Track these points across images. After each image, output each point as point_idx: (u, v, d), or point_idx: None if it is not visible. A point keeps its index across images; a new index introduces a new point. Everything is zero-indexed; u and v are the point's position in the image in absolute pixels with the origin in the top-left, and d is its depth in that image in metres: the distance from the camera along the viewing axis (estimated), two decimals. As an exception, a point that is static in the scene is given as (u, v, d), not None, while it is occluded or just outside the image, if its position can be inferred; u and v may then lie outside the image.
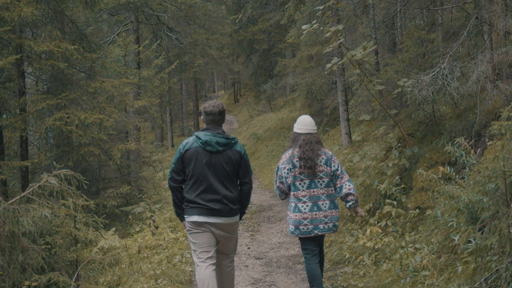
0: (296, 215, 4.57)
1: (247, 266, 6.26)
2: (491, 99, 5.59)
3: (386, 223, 5.80)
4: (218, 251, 4.33)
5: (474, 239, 3.83)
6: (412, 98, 6.01)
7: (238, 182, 4.32)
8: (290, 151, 4.68)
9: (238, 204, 4.31)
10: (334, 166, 4.62)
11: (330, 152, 4.69)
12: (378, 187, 6.22)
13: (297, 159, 4.58)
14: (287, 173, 4.61)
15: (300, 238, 4.67)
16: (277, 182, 4.74)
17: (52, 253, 4.83)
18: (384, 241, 5.44)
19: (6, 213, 4.25)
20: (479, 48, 6.11)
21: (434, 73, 5.78)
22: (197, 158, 4.17)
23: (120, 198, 8.56)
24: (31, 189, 4.52)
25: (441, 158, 5.89)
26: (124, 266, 5.86)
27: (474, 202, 4.11)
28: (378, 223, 5.94)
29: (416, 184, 5.94)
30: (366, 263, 5.35)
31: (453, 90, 5.65)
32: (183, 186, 4.26)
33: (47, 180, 4.52)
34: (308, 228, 4.54)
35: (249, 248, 7.08)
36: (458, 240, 4.03)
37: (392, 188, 6.04)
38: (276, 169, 4.76)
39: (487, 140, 5.30)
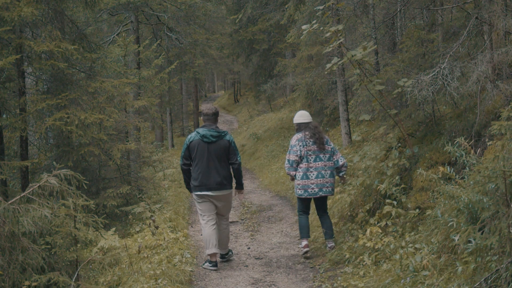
0: (305, 181, 6.30)
1: (247, 266, 6.26)
2: (491, 99, 5.58)
3: (386, 223, 5.80)
4: (217, 214, 6.23)
5: (474, 239, 3.83)
6: (412, 98, 6.01)
7: (230, 163, 6.13)
8: (300, 134, 6.37)
9: (230, 180, 6.13)
10: (331, 145, 6.49)
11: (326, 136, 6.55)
12: (378, 187, 6.22)
13: (309, 139, 6.33)
14: (301, 148, 6.31)
15: (303, 199, 6.38)
16: (293, 156, 6.34)
17: (52, 253, 4.82)
18: (384, 241, 5.44)
19: (6, 213, 4.25)
20: (479, 48, 6.11)
21: (434, 73, 5.78)
22: (198, 147, 6.03)
23: (120, 198, 8.55)
24: (31, 189, 4.52)
25: (441, 158, 5.89)
26: (124, 266, 5.86)
27: (474, 202, 4.11)
28: (378, 223, 5.94)
29: (416, 184, 5.94)
30: (366, 263, 5.35)
31: (453, 90, 5.65)
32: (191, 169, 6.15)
33: (47, 180, 4.52)
34: (314, 191, 6.30)
35: (249, 248, 7.08)
36: (458, 240, 4.03)
37: (392, 188, 6.04)
38: (289, 148, 6.41)
39: (487, 140, 5.30)
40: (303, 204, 6.46)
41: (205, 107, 6.16)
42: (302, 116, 6.46)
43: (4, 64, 6.28)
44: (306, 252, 6.33)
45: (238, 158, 6.17)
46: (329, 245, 6.33)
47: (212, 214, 6.15)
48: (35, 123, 7.70)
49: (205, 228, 6.10)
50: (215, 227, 6.13)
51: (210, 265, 6.10)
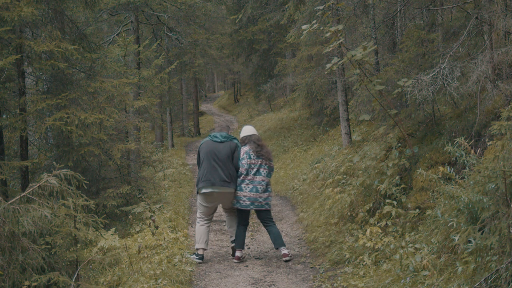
0: (237, 193, 6.43)
1: (247, 266, 6.26)
2: (491, 99, 5.59)
3: (386, 223, 5.80)
4: (225, 210, 6.74)
5: (474, 239, 3.83)
6: (412, 98, 6.01)
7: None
8: (246, 147, 6.52)
9: (235, 180, 6.45)
10: (272, 163, 6.64)
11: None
12: (378, 187, 6.22)
13: (253, 152, 6.48)
14: (247, 160, 6.46)
15: (241, 210, 6.49)
16: (241, 169, 6.46)
17: (52, 253, 4.82)
18: (384, 241, 5.44)
19: (6, 213, 4.25)
20: (479, 48, 6.11)
21: (434, 73, 5.78)
22: (207, 147, 6.54)
23: (120, 198, 8.55)
24: (31, 189, 4.52)
25: (441, 158, 5.89)
26: (124, 266, 5.86)
27: (474, 202, 4.12)
28: (378, 223, 5.94)
29: (416, 184, 5.94)
30: (366, 263, 5.35)
31: (453, 90, 5.65)
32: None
33: (47, 180, 4.53)
34: (246, 203, 6.41)
35: (249, 248, 7.08)
36: (458, 240, 4.03)
37: (392, 188, 6.04)
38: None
39: (487, 140, 5.30)
40: (241, 213, 6.57)
41: (219, 122, 7.19)
42: (248, 131, 6.67)
43: (4, 64, 6.28)
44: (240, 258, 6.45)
45: (238, 164, 6.54)
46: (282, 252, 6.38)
47: (209, 217, 6.64)
48: (35, 123, 7.70)
49: (199, 226, 6.58)
50: (209, 226, 6.65)
51: (197, 257, 6.43)
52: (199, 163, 6.63)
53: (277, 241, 6.43)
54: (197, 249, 6.52)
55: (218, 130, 6.77)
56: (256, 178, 6.43)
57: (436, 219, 4.70)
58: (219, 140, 6.53)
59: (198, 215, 6.71)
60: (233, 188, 6.44)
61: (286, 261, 6.33)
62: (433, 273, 4.23)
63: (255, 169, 6.43)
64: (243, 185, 6.41)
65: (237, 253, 6.45)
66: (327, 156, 11.45)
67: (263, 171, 6.46)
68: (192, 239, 7.57)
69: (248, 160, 6.44)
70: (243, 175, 6.43)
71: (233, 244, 6.61)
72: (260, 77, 24.53)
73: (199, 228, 6.57)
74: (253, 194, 6.39)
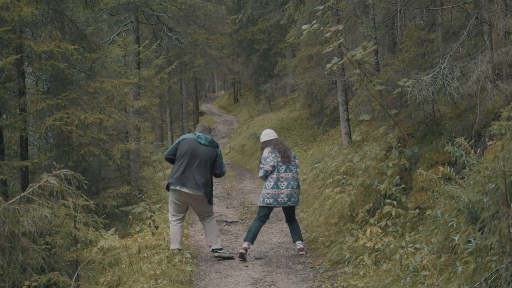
0: (275, 191, 6.52)
1: (247, 266, 6.26)
2: (491, 99, 5.59)
3: (386, 223, 5.80)
4: (198, 214, 6.55)
5: (474, 239, 3.83)
6: (412, 98, 6.01)
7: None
8: (269, 148, 6.62)
9: (209, 188, 6.30)
10: (297, 160, 6.78)
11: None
12: (378, 187, 6.22)
13: (277, 152, 6.59)
14: (273, 158, 6.55)
15: (264, 207, 6.58)
16: (267, 167, 6.56)
17: (52, 253, 4.82)
18: (384, 241, 5.44)
19: (6, 213, 4.25)
20: (479, 48, 6.11)
21: (434, 73, 5.78)
22: (189, 145, 6.35)
23: (120, 198, 8.55)
24: (31, 189, 4.52)
25: (441, 158, 5.89)
26: (124, 266, 5.86)
27: (474, 202, 4.12)
28: (378, 223, 5.94)
29: (416, 184, 5.94)
30: (366, 263, 5.35)
31: (453, 90, 5.65)
32: None
33: (47, 180, 4.53)
34: (284, 200, 6.52)
35: (249, 248, 7.07)
36: (458, 240, 4.03)
37: (392, 188, 6.04)
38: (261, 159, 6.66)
39: (487, 140, 5.30)
40: (263, 210, 6.64)
41: (201, 123, 6.85)
42: (268, 135, 6.74)
43: (4, 64, 6.29)
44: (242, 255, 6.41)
45: (223, 170, 6.56)
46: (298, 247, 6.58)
47: (181, 215, 6.46)
48: (35, 123, 7.70)
49: (172, 225, 6.42)
50: (181, 226, 6.46)
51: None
52: (169, 153, 6.41)
53: (297, 235, 6.63)
54: (172, 250, 6.34)
55: (200, 129, 6.60)
56: (288, 175, 6.57)
57: (436, 219, 4.70)
58: (202, 143, 6.36)
59: (169, 214, 6.48)
60: (205, 195, 6.26)
61: (301, 254, 6.52)
62: (433, 273, 4.23)
63: (284, 167, 6.57)
64: (279, 183, 6.50)
65: (244, 245, 6.43)
66: (327, 156, 11.45)
67: (292, 168, 6.63)
68: (192, 239, 7.57)
69: (275, 158, 6.56)
70: (275, 173, 6.53)
71: (215, 254, 6.44)
72: (260, 77, 24.53)
73: (173, 227, 6.39)
74: (290, 190, 6.52)
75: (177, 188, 6.22)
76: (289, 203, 6.55)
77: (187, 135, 6.50)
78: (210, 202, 6.37)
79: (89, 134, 7.46)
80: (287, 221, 6.78)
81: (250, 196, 11.18)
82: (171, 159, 6.46)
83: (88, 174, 8.55)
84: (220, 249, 6.49)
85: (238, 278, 5.79)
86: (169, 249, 6.39)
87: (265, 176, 6.61)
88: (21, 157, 7.20)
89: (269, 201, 6.53)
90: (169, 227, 6.88)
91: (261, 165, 6.65)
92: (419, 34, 6.92)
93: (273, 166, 6.54)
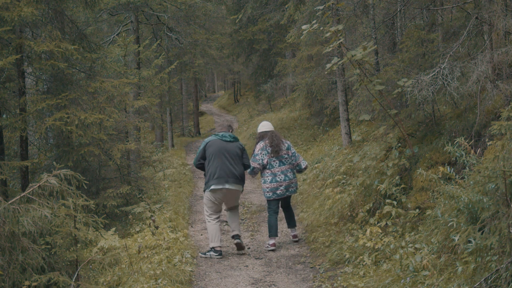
0: (273, 184, 6.91)
1: (247, 266, 6.26)
2: (491, 99, 5.58)
3: (386, 223, 5.80)
4: (230, 208, 6.93)
5: (474, 239, 3.83)
6: (412, 98, 6.00)
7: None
8: (262, 143, 6.96)
9: (243, 178, 6.81)
10: (292, 150, 7.07)
11: (288, 142, 7.15)
12: (378, 187, 6.22)
13: (269, 147, 6.90)
14: (264, 156, 6.90)
15: (269, 200, 6.99)
16: (255, 164, 6.91)
17: (52, 253, 4.82)
18: (384, 241, 5.44)
19: (6, 213, 4.25)
20: (479, 48, 6.11)
21: (434, 73, 5.78)
22: (216, 146, 6.73)
23: (120, 198, 8.54)
24: (31, 189, 4.52)
25: (441, 158, 5.89)
26: (124, 266, 5.86)
27: (474, 202, 4.11)
28: (378, 223, 5.94)
29: (416, 184, 5.94)
30: (366, 263, 5.35)
31: (453, 90, 5.65)
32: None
33: (47, 180, 4.52)
34: (282, 192, 6.92)
35: (249, 248, 7.08)
36: (458, 240, 4.03)
37: (392, 188, 6.04)
38: (253, 156, 6.97)
39: (487, 140, 5.30)
40: (272, 203, 7.03)
41: (221, 121, 7.41)
42: (264, 126, 7.14)
43: (4, 64, 6.28)
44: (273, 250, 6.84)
45: (249, 161, 6.95)
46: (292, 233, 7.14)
47: (218, 213, 6.79)
48: (35, 123, 7.70)
49: (211, 224, 6.72)
50: (219, 223, 6.82)
51: (216, 254, 6.60)
52: (199, 159, 6.77)
53: (292, 222, 7.18)
54: (213, 247, 6.63)
55: (220, 129, 7.00)
56: (283, 168, 6.93)
57: (436, 219, 4.70)
58: (228, 140, 6.78)
59: (207, 213, 6.79)
60: (242, 187, 6.81)
61: (295, 241, 7.08)
62: (433, 273, 4.23)
63: (277, 161, 6.92)
64: (276, 177, 6.89)
65: (272, 241, 6.86)
66: (327, 156, 11.45)
67: (286, 160, 6.97)
68: (192, 239, 7.57)
69: (266, 155, 6.89)
70: (270, 169, 6.90)
71: (236, 240, 6.79)
72: (260, 77, 24.51)
73: (213, 226, 6.69)
74: (287, 182, 6.91)
75: (219, 187, 6.58)
76: (287, 193, 6.97)
77: (210, 138, 6.85)
78: (244, 183, 6.90)
79: (89, 134, 7.46)
80: (282, 206, 7.18)
81: (250, 196, 11.18)
82: (201, 164, 6.81)
83: (88, 174, 8.55)
84: (239, 236, 6.84)
85: (238, 278, 5.79)
86: (210, 247, 6.67)
87: (253, 173, 6.99)
88: (21, 157, 7.20)
89: (269, 194, 6.95)
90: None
91: (251, 161, 6.96)
92: (419, 34, 6.91)
93: (264, 165, 6.90)
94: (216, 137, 6.82)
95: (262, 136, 7.07)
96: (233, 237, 6.82)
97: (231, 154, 6.70)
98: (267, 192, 6.97)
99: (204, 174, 6.83)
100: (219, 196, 6.67)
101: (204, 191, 6.78)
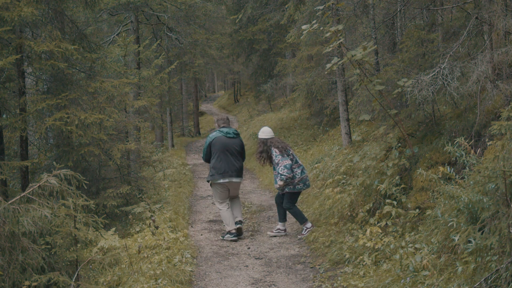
0: (303, 176, 7.39)
1: (247, 266, 6.26)
2: (491, 99, 5.58)
3: (386, 223, 5.80)
4: (232, 196, 7.70)
5: (474, 239, 3.83)
6: (412, 98, 6.00)
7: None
8: (274, 149, 7.36)
9: (243, 170, 7.59)
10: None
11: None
12: (378, 187, 6.22)
13: (283, 150, 7.36)
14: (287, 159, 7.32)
15: (295, 193, 7.44)
16: (286, 172, 7.22)
17: (52, 253, 4.82)
18: (384, 241, 5.44)
19: (6, 213, 4.25)
20: (479, 48, 6.11)
21: (434, 73, 5.78)
22: (221, 142, 7.44)
23: (120, 198, 8.53)
24: (31, 189, 4.52)
25: (441, 158, 5.89)
26: (124, 266, 5.86)
27: (474, 202, 4.12)
28: (378, 223, 5.94)
29: (416, 184, 5.94)
30: (366, 263, 5.35)
31: (453, 90, 5.65)
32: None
33: (47, 180, 4.52)
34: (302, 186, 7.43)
35: (249, 248, 7.08)
36: (458, 240, 4.03)
37: (392, 188, 6.04)
38: (279, 157, 7.31)
39: (487, 140, 5.30)
40: (295, 196, 7.53)
41: (219, 115, 7.68)
42: (267, 133, 7.55)
43: (4, 64, 6.28)
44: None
45: (245, 155, 7.75)
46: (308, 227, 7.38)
47: (227, 200, 7.60)
48: (35, 123, 7.70)
49: (223, 210, 7.52)
50: (230, 208, 7.56)
51: (232, 235, 7.40)
52: (207, 155, 7.55)
53: (284, 217, 7.59)
54: (230, 231, 7.43)
55: (221, 123, 7.69)
56: (298, 163, 7.46)
57: (436, 219, 4.70)
58: (231, 136, 7.49)
59: (218, 202, 7.59)
60: (242, 178, 7.59)
61: (271, 236, 7.53)
62: (433, 273, 4.23)
63: (294, 159, 7.42)
64: (304, 170, 7.45)
65: (308, 224, 7.34)
66: (327, 156, 11.45)
67: (298, 158, 7.55)
68: (192, 239, 7.57)
69: (285, 155, 7.34)
70: (295, 164, 7.38)
71: (237, 225, 7.51)
72: (260, 77, 24.52)
73: (225, 212, 7.47)
74: (305, 175, 7.45)
75: (226, 180, 7.39)
76: (304, 187, 7.49)
77: (215, 135, 7.52)
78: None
79: (89, 134, 7.46)
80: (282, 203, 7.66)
81: (250, 196, 11.18)
82: (209, 158, 7.59)
83: (88, 174, 8.54)
84: (242, 222, 7.66)
85: (238, 278, 5.79)
86: (226, 231, 7.45)
87: (286, 181, 7.28)
88: (21, 157, 7.20)
89: (300, 186, 7.38)
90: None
91: (281, 163, 7.25)
92: (419, 34, 6.91)
93: (293, 161, 7.38)
94: (221, 133, 7.46)
95: (265, 143, 7.49)
96: (236, 222, 7.54)
97: (234, 150, 7.46)
98: (298, 184, 7.35)
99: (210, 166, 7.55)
100: (224, 188, 7.48)
101: (208, 181, 7.58)
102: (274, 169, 7.42)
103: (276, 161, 7.31)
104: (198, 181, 13.41)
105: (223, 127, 7.64)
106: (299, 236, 7.34)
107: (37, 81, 8.52)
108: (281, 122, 20.98)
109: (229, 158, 7.41)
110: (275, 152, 7.34)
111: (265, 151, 7.49)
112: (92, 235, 5.21)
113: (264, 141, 7.49)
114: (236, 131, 7.65)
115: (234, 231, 7.40)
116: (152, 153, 11.71)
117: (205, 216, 9.32)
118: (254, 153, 19.28)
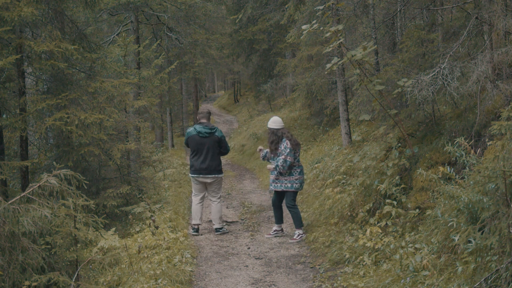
0: (302, 176, 7.43)
1: (247, 266, 6.26)
2: (491, 99, 5.58)
3: (386, 223, 5.80)
4: (209, 193, 7.98)
5: (474, 239, 3.83)
6: (412, 98, 6.00)
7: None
8: (287, 141, 7.22)
9: (220, 167, 7.84)
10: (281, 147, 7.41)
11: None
12: (378, 187, 6.22)
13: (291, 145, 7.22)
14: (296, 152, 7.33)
15: (295, 192, 7.40)
16: (291, 159, 7.19)
17: (52, 253, 4.82)
18: (384, 241, 5.44)
19: (6, 213, 4.25)
20: (479, 48, 6.11)
21: (434, 73, 5.78)
22: (195, 140, 7.70)
23: (120, 198, 8.53)
24: (31, 189, 4.52)
25: (441, 158, 5.89)
26: (124, 266, 5.86)
27: (474, 202, 4.12)
28: (378, 223, 5.94)
29: (416, 184, 5.94)
30: (366, 263, 5.35)
31: (453, 90, 5.64)
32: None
33: (47, 180, 4.52)
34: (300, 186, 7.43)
35: (249, 248, 7.08)
36: (458, 240, 4.03)
37: (392, 188, 6.04)
38: (288, 151, 7.18)
39: (487, 140, 5.30)
40: (295, 196, 7.53)
41: (200, 107, 7.72)
42: (278, 123, 7.39)
43: (4, 64, 6.28)
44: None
45: (228, 148, 7.97)
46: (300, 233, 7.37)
47: (201, 194, 7.94)
48: (35, 123, 7.70)
49: (194, 204, 7.91)
50: (201, 204, 7.94)
51: (193, 230, 7.84)
52: (187, 144, 7.88)
53: (280, 219, 7.66)
54: (192, 225, 7.89)
55: (201, 117, 7.84)
56: (299, 163, 7.44)
57: (436, 219, 4.70)
58: (205, 136, 7.65)
59: (192, 193, 7.96)
60: (220, 174, 7.83)
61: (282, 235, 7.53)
62: (433, 273, 4.23)
63: (298, 158, 7.39)
64: (298, 170, 7.36)
65: (302, 231, 7.35)
66: (327, 156, 11.45)
67: (299, 158, 7.51)
68: (192, 239, 7.57)
69: (293, 153, 7.24)
70: (297, 162, 7.36)
71: (216, 232, 7.83)
72: (260, 77, 24.54)
73: (195, 206, 7.87)
74: (302, 177, 7.45)
75: (196, 176, 7.75)
76: (301, 187, 7.50)
77: (190, 132, 7.76)
78: (220, 172, 7.84)
79: (89, 134, 7.46)
80: (280, 203, 7.66)
81: (250, 196, 11.18)
82: (187, 146, 8.00)
83: (88, 174, 8.54)
84: (221, 228, 7.88)
85: (238, 278, 5.79)
86: (191, 224, 7.95)
87: (288, 167, 7.21)
88: (21, 157, 7.20)
89: (297, 186, 7.38)
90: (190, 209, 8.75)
91: (287, 155, 7.15)
92: (419, 34, 6.91)
93: (295, 159, 7.32)
94: (195, 131, 7.68)
95: (276, 133, 7.31)
96: (215, 230, 7.88)
97: (207, 149, 7.66)
98: (299, 183, 7.36)
99: None
100: (198, 181, 7.85)
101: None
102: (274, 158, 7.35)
103: (284, 152, 7.15)
104: (198, 181, 13.39)
105: (200, 123, 7.76)
106: (290, 240, 7.20)
107: (37, 81, 8.52)
108: (281, 122, 20.95)
109: (201, 158, 7.68)
110: (286, 144, 7.17)
111: (275, 141, 7.27)
112: (92, 235, 5.21)
113: (275, 131, 7.29)
114: (212, 127, 7.71)
115: (196, 226, 7.81)
116: (152, 153, 11.71)
117: (205, 216, 9.32)
118: (253, 154, 19.30)
